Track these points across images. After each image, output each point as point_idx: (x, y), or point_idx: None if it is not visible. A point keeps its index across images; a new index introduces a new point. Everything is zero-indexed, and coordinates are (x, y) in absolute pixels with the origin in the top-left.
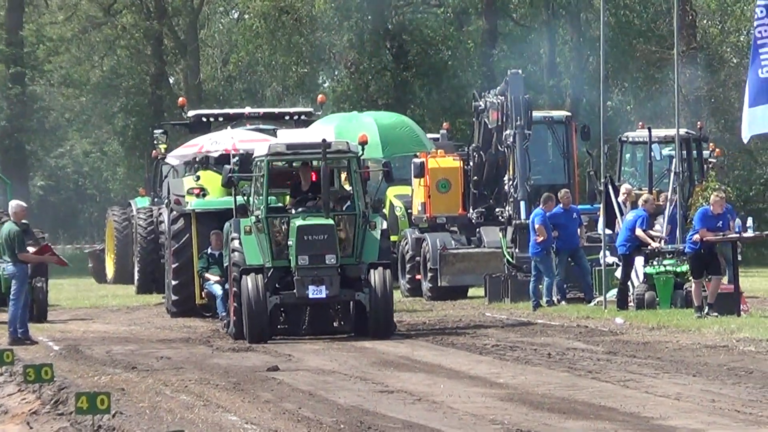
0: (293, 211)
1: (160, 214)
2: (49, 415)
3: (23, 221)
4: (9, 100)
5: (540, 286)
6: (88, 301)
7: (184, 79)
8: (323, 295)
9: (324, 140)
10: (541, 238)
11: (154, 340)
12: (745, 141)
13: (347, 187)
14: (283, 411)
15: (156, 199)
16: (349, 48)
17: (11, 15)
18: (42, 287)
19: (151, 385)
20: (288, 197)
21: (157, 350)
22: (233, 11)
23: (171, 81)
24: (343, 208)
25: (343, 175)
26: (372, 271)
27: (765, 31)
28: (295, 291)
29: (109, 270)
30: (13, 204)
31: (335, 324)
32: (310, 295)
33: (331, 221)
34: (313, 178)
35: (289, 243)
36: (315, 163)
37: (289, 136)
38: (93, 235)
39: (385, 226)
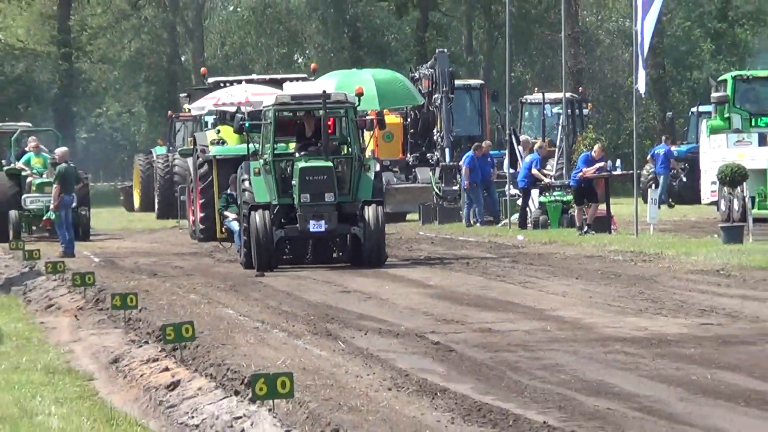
0: (297, 155)
1: (174, 159)
2: (91, 310)
3: (66, 162)
4: (60, 73)
5: (471, 211)
6: (120, 224)
7: (192, 58)
8: (323, 229)
9: (324, 91)
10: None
11: (170, 254)
12: (642, 92)
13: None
14: (268, 306)
15: (170, 149)
16: (316, 33)
17: (61, 9)
18: (86, 214)
19: (168, 287)
20: (293, 144)
21: (173, 261)
22: (229, 5)
23: (182, 59)
24: (342, 153)
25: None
26: (366, 207)
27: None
28: (297, 225)
29: (136, 201)
30: (58, 150)
31: (334, 255)
32: (311, 229)
33: (330, 163)
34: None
35: (293, 183)
36: (317, 112)
37: (294, 88)
38: (124, 175)
39: (378, 168)
